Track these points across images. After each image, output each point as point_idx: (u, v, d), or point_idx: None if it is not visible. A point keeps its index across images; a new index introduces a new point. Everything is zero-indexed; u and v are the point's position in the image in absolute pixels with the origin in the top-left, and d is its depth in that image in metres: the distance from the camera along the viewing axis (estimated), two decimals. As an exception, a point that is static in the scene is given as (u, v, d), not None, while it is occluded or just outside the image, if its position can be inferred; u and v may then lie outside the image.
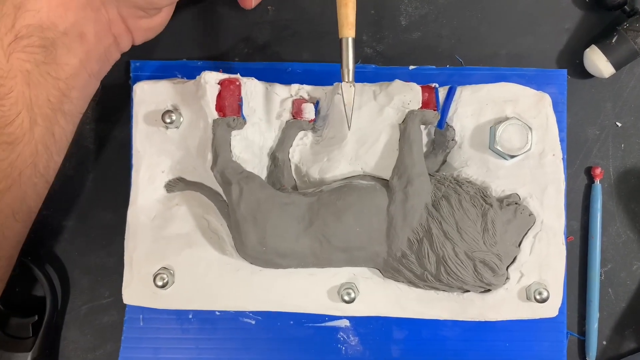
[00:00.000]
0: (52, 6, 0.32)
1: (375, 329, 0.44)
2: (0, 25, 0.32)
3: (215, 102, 0.39)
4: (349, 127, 0.38)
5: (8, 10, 0.32)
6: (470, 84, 0.42)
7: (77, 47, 0.35)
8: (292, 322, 0.44)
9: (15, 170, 0.33)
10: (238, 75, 0.40)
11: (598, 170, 0.45)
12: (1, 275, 0.37)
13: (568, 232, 0.45)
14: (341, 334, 0.44)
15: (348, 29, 0.32)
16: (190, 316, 0.44)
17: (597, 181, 0.45)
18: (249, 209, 0.38)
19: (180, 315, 0.44)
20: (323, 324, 0.44)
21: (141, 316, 0.44)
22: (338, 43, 0.34)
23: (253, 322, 0.44)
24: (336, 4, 0.31)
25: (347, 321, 0.44)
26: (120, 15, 0.36)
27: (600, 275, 0.45)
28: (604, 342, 0.45)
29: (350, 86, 0.35)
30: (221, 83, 0.40)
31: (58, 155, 0.37)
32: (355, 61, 0.34)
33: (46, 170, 0.36)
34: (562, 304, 0.41)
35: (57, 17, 0.33)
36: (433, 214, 0.38)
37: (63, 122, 0.36)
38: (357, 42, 0.45)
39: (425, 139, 0.42)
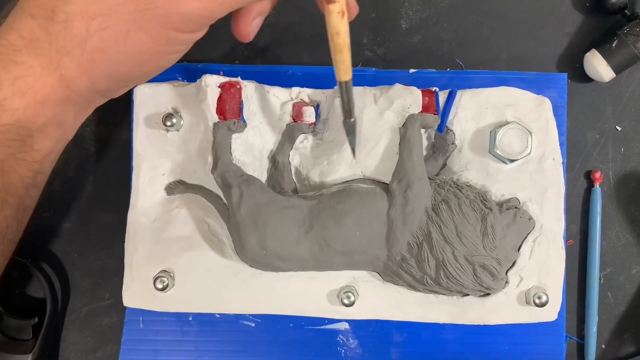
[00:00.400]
0: (30, 105, 0.32)
1: (374, 332, 0.44)
2: None
3: (215, 105, 0.39)
4: (354, 157, 0.39)
5: None
6: (470, 87, 0.42)
7: (55, 132, 0.34)
8: (291, 325, 0.44)
9: None
10: (239, 79, 0.40)
11: (598, 174, 0.45)
12: None
13: (567, 236, 0.45)
14: (341, 336, 0.44)
15: (345, 73, 0.33)
16: (190, 318, 0.44)
17: (597, 185, 0.45)
18: (249, 212, 0.38)
19: (180, 317, 0.44)
20: (322, 327, 0.44)
21: (141, 318, 0.44)
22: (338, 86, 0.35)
23: (253, 325, 0.44)
24: (330, 51, 0.32)
25: (347, 324, 0.44)
26: (99, 94, 0.35)
27: (600, 279, 0.45)
28: (603, 346, 0.46)
29: (353, 121, 0.36)
30: (222, 86, 0.40)
31: (27, 218, 0.36)
32: (354, 101, 0.35)
33: (15, 236, 0.36)
34: (562, 307, 0.41)
35: (35, 115, 0.33)
36: (433, 218, 0.38)
37: (34, 193, 0.36)
38: (358, 44, 0.46)
39: (425, 143, 0.42)
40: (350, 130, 0.37)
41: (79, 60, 0.32)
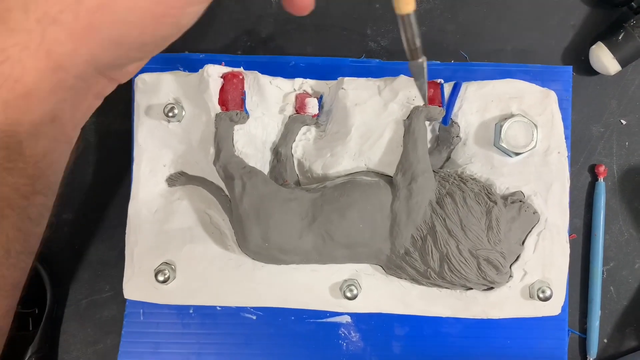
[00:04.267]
0: (11, 102, 0.25)
1: (376, 325, 0.44)
2: None
3: (218, 96, 0.39)
4: (425, 103, 0.36)
5: None
6: (475, 79, 0.42)
7: (49, 131, 0.28)
8: (293, 318, 0.44)
9: None
10: (241, 69, 0.40)
11: (602, 168, 0.45)
12: None
13: (571, 230, 0.45)
14: (342, 329, 0.44)
15: (406, 4, 0.27)
16: (191, 311, 0.44)
17: (601, 179, 0.45)
18: (251, 205, 0.37)
19: (181, 310, 0.44)
20: (324, 320, 0.44)
21: (142, 310, 0.44)
22: (397, 21, 0.29)
23: (254, 318, 0.44)
24: None
25: (349, 317, 0.44)
26: (102, 75, 0.29)
27: (602, 273, 0.45)
28: (605, 340, 0.45)
29: (421, 61, 0.31)
30: (224, 77, 0.39)
31: (39, 227, 0.31)
32: (420, 36, 0.29)
33: (26, 247, 0.30)
34: (564, 301, 0.41)
35: (18, 112, 0.26)
36: (437, 211, 0.37)
37: (40, 200, 0.29)
38: (361, 35, 0.45)
39: (429, 135, 0.41)
40: (419, 73, 0.32)
41: (72, 27, 0.25)
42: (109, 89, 0.31)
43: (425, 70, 0.31)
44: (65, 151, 0.30)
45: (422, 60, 0.31)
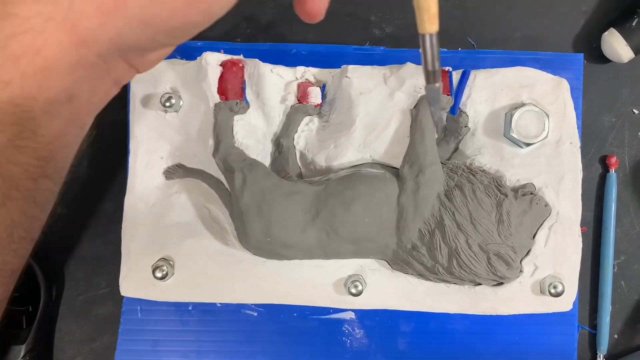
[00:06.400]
0: (29, 75, 0.24)
1: (381, 322, 0.43)
2: None
3: (217, 85, 0.38)
4: (437, 133, 0.36)
5: None
6: (483, 67, 0.41)
7: (64, 111, 0.27)
8: (295, 315, 0.43)
9: None
10: (241, 57, 0.39)
11: (613, 159, 0.44)
12: None
13: (581, 223, 0.43)
14: (346, 326, 0.43)
15: (430, 23, 0.27)
16: (190, 308, 0.43)
17: (612, 170, 0.44)
18: (252, 198, 0.36)
19: (179, 307, 0.42)
20: (327, 316, 0.43)
21: (139, 307, 0.42)
22: (418, 39, 0.28)
23: (255, 314, 0.43)
24: None
25: (352, 313, 0.43)
26: (124, 58, 0.28)
27: (613, 267, 0.44)
28: (615, 336, 0.44)
29: (438, 86, 0.30)
30: (223, 65, 0.38)
31: (43, 213, 0.30)
32: (439, 59, 0.28)
33: (28, 232, 0.29)
34: (576, 294, 0.40)
35: (35, 87, 0.25)
36: (445, 204, 0.36)
37: (48, 185, 0.28)
38: (365, 22, 0.44)
39: (436, 125, 0.40)
40: (435, 98, 0.31)
41: (102, 0, 0.24)
42: (128, 77, 0.30)
43: (440, 96, 0.30)
44: (77, 137, 0.29)
45: (439, 85, 0.29)
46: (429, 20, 0.26)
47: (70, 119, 0.27)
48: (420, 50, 0.28)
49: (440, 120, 0.33)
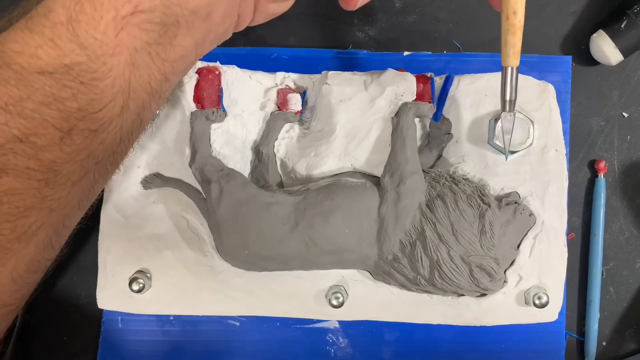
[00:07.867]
0: None
1: (365, 331, 0.42)
2: None
3: (193, 93, 0.37)
4: (507, 157, 0.37)
5: None
6: (468, 70, 0.40)
7: (199, 27, 0.28)
8: (278, 324, 0.42)
9: (92, 161, 0.28)
10: (217, 64, 0.38)
11: (602, 164, 0.43)
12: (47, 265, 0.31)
13: (569, 229, 0.43)
14: (330, 335, 0.42)
15: (514, 58, 0.31)
16: (172, 318, 0.42)
17: (601, 175, 0.43)
18: (229, 210, 0.35)
19: (161, 317, 0.42)
20: (311, 326, 0.42)
21: (120, 318, 0.42)
22: (501, 72, 0.32)
23: (237, 324, 0.42)
24: (501, 32, 0.31)
25: (337, 322, 0.42)
26: None
27: (602, 274, 0.43)
28: (604, 343, 0.44)
29: (511, 115, 0.33)
30: (199, 72, 0.37)
31: (133, 142, 0.31)
32: (517, 92, 0.32)
33: (121, 158, 0.31)
34: (562, 306, 0.40)
35: None
36: (427, 215, 0.35)
37: (154, 107, 0.30)
38: (347, 24, 0.43)
39: (419, 132, 0.39)
40: (508, 128, 0.34)
41: None
42: (244, 22, 0.32)
43: (514, 126, 0.34)
44: (188, 69, 0.30)
45: (513, 115, 0.33)
46: (514, 56, 0.30)
47: (198, 41, 0.28)
48: (501, 80, 0.32)
49: (508, 147, 0.35)
